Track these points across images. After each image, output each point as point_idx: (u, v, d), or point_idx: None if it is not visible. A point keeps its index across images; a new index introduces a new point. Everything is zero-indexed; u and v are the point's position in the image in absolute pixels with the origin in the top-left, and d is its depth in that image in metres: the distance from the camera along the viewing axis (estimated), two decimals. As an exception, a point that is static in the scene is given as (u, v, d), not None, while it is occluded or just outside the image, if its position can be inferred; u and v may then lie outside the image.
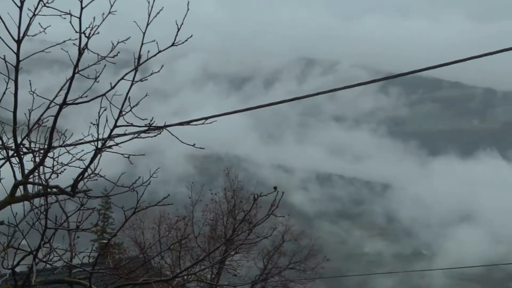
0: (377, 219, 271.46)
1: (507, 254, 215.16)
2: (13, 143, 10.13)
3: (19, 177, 10.16)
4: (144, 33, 9.52)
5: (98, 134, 9.90)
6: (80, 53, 9.58)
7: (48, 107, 10.09)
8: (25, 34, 9.60)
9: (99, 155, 9.93)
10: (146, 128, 9.96)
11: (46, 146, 10.01)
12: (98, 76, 9.86)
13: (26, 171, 10.13)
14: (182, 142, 9.96)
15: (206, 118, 10.20)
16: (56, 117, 9.83)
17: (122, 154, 10.09)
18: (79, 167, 10.23)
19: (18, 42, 9.57)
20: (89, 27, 9.52)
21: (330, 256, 49.05)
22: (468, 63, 10.23)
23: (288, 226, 44.44)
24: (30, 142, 10.25)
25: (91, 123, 9.83)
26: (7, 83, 9.82)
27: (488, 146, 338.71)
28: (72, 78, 9.77)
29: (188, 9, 9.73)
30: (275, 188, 9.37)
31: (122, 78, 9.77)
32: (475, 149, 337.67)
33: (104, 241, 48.40)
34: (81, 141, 10.51)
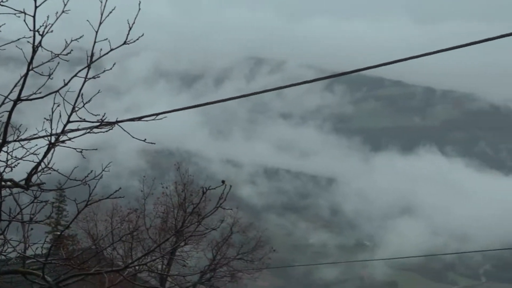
0: (322, 212, 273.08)
1: (444, 245, 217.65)
2: (-31, 138, 10.02)
3: (-26, 170, 10.05)
4: (96, 32, 9.48)
5: (51, 129, 9.82)
6: (34, 51, 9.51)
7: (3, 103, 10.00)
8: (-20, 32, 9.51)
9: (52, 150, 9.86)
10: (98, 123, 9.91)
11: (0, 141, 9.92)
12: (52, 73, 9.80)
13: (-19, 165, 10.03)
14: (133, 137, 9.93)
15: (157, 114, 10.18)
16: (10, 112, 9.74)
17: (75, 149, 10.02)
18: (33, 161, 10.15)
19: (-27, 39, 9.48)
20: (43, 25, 9.45)
21: (277, 247, 49.17)
22: (409, 63, 10.33)
23: (237, 218, 44.49)
24: (-15, 137, 10.14)
25: (45, 118, 9.76)
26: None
27: (428, 143, 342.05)
28: (26, 74, 9.70)
29: (139, 9, 9.70)
30: (223, 182, 9.38)
31: (75, 75, 9.71)
32: (415, 145, 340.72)
33: (57, 233, 48.04)
34: (35, 136, 10.42)
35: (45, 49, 9.75)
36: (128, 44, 9.66)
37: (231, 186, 9.44)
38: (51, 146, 9.85)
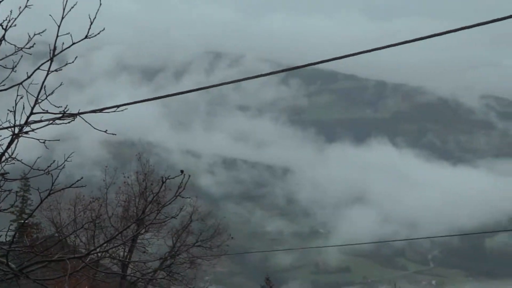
0: (278, 200, 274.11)
1: (394, 232, 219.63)
2: None
3: None
4: (59, 26, 9.41)
5: (15, 121, 9.75)
6: (-2, 44, 9.44)
7: (-33, 95, 9.91)
8: None
9: (16, 140, 9.78)
10: (61, 115, 9.84)
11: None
12: (15, 66, 9.73)
13: None
14: (94, 128, 9.88)
15: (117, 106, 10.13)
16: (-26, 104, 9.66)
17: (38, 140, 9.95)
18: (-4, 151, 10.06)
19: None
20: (6, 19, 9.37)
21: (234, 234, 49.16)
22: (362, 57, 10.39)
23: (196, 207, 44.41)
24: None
25: (8, 110, 9.67)
26: None
27: (379, 134, 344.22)
28: (-10, 67, 9.61)
29: (100, 4, 9.64)
30: (182, 171, 9.37)
31: (38, 68, 9.63)
32: (367, 136, 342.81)
33: (21, 221, 47.65)
34: (-1, 127, 10.34)
35: (8, 42, 9.68)
36: (89, 38, 9.60)
37: (189, 175, 9.43)
38: (15, 137, 9.77)
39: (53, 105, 9.79)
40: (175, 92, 10.83)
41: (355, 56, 10.26)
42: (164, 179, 9.54)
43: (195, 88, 10.74)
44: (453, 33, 9.65)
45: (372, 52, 10.31)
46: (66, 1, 9.37)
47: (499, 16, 9.27)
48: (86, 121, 9.81)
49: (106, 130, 10.18)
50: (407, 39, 9.72)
